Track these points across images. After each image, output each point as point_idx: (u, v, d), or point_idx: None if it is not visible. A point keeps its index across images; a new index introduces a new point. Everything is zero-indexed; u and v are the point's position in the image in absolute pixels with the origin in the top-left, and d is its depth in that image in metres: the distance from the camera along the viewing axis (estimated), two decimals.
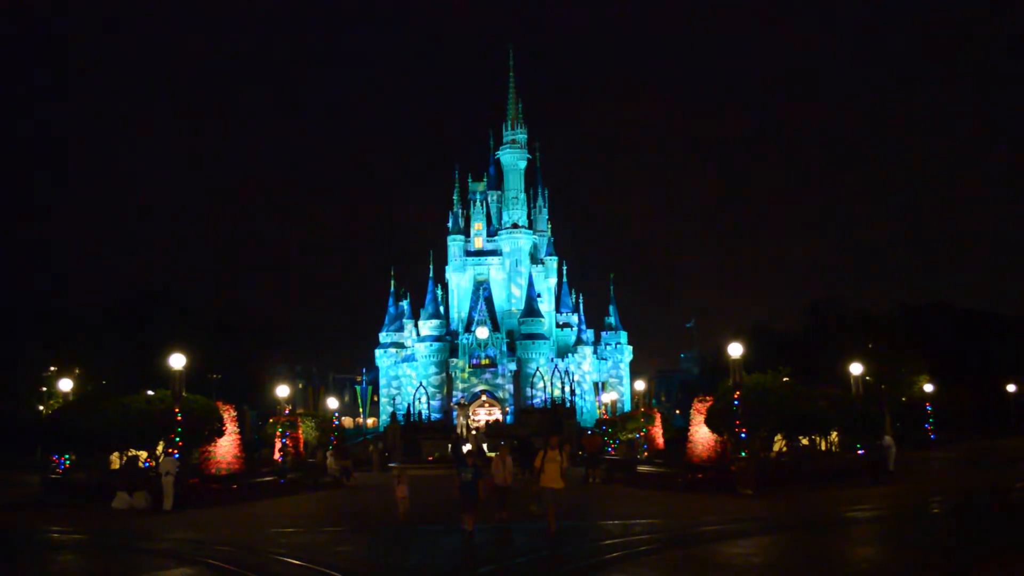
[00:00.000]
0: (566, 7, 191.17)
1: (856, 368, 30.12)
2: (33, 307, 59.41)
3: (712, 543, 15.81)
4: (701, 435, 27.94)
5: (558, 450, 16.85)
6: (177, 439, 24.46)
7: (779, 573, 13.07)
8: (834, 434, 28.74)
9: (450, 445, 44.09)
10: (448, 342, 65.70)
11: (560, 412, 56.47)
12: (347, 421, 72.33)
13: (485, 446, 45.01)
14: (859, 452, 28.06)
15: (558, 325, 69.13)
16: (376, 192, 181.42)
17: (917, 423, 45.35)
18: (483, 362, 63.70)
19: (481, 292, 65.88)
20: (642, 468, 29.98)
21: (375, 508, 24.77)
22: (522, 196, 69.64)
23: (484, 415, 61.39)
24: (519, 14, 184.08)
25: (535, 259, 70.54)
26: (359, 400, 75.95)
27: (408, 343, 68.27)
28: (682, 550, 15.08)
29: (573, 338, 68.49)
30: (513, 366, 63.97)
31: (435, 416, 62.52)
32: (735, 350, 25.90)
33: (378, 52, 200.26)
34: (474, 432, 48.53)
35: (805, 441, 28.39)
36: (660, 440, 37.75)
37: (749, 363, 28.44)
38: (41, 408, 36.48)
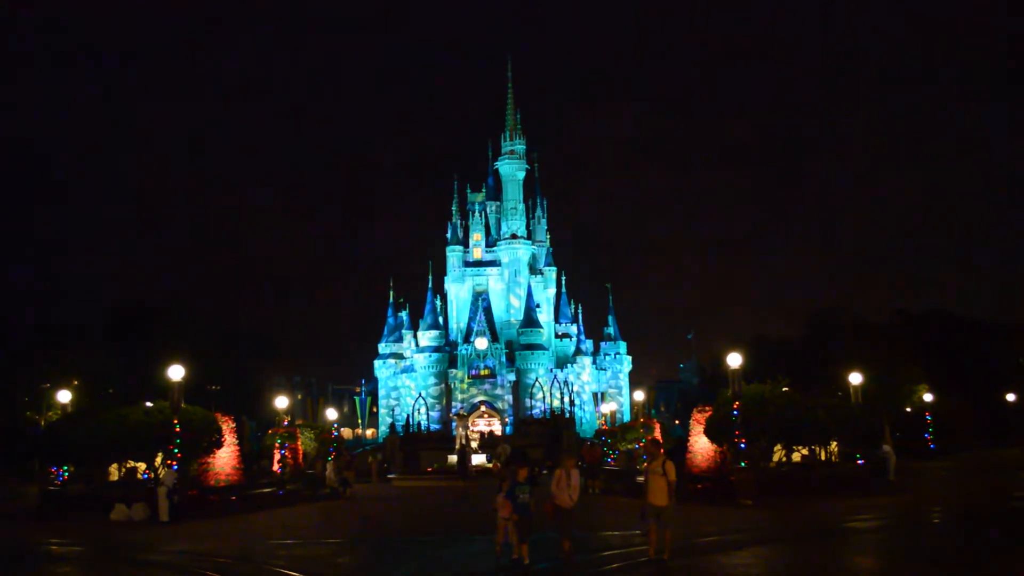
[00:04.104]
0: (565, 17, 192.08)
1: (855, 378, 30.13)
2: (32, 318, 59.36)
3: (712, 554, 15.79)
4: (700, 445, 27.91)
5: (661, 462, 14.72)
6: (176, 451, 24.43)
7: None
8: (834, 444, 28.71)
9: (506, 455, 41.76)
10: (447, 353, 65.64)
11: (559, 423, 56.38)
12: (346, 432, 72.22)
13: (485, 458, 44.88)
14: (859, 462, 28.05)
15: (557, 335, 69.07)
16: (375, 202, 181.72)
17: (916, 433, 45.30)
18: (482, 373, 63.60)
19: (480, 303, 65.82)
20: (641, 479, 29.89)
21: (374, 519, 24.71)
22: (521, 207, 69.68)
23: (483, 426, 61.28)
24: (518, 24, 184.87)
25: (534, 270, 70.55)
26: (358, 411, 75.75)
27: (407, 354, 68.20)
28: (682, 561, 15.04)
29: (572, 348, 68.43)
30: (512, 377, 63.90)
31: (434, 427, 62.37)
32: (734, 360, 25.91)
33: (377, 63, 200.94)
34: (472, 444, 48.16)
35: (804, 451, 28.36)
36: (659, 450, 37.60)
37: (748, 373, 28.45)
38: (40, 419, 36.41)
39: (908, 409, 46.78)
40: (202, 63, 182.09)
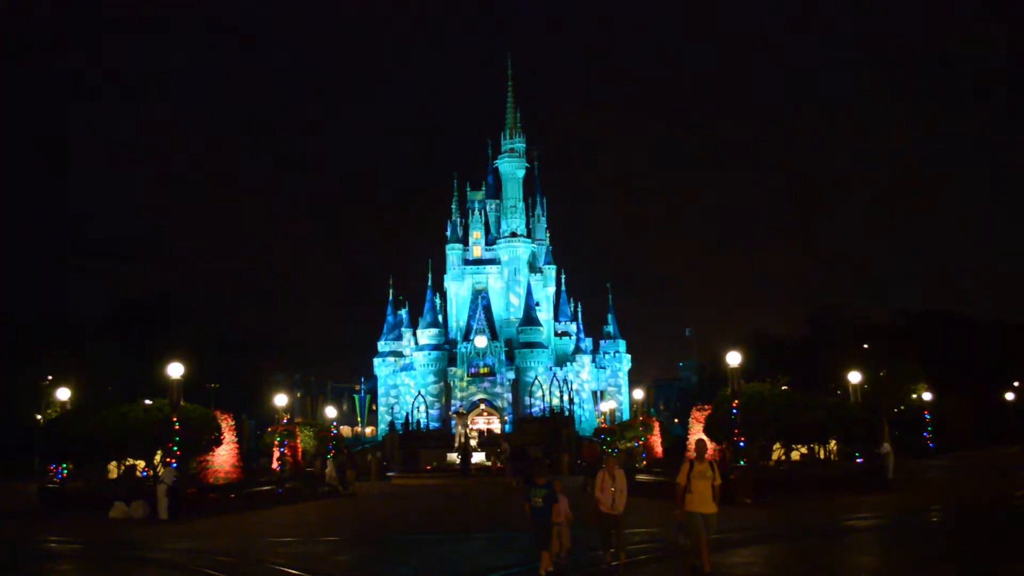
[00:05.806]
0: (565, 16, 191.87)
1: (855, 376, 30.14)
2: (31, 316, 59.33)
3: (711, 552, 15.76)
4: None
5: (708, 463, 13.23)
6: (175, 448, 24.45)
7: None
8: (833, 443, 28.74)
9: (507, 453, 41.01)
10: (446, 351, 65.65)
11: (559, 421, 56.41)
12: (345, 430, 72.15)
13: (484, 455, 44.88)
14: (858, 461, 28.07)
15: (556, 334, 69.11)
16: (375, 201, 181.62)
17: (916, 432, 45.35)
18: (481, 371, 63.61)
19: (480, 301, 65.83)
20: (640, 477, 29.93)
21: (373, 517, 24.72)
22: (520, 205, 69.67)
23: (482, 424, 61.31)
24: (518, 22, 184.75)
25: (533, 268, 70.55)
26: (357, 409, 75.77)
27: (406, 352, 68.21)
28: (681, 559, 15.03)
29: (571, 347, 68.47)
30: (511, 375, 63.93)
31: (434, 425, 62.41)
32: (733, 359, 25.92)
33: (376, 61, 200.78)
34: (471, 442, 48.12)
35: (804, 450, 28.39)
36: (659, 449, 37.74)
37: (747, 371, 28.49)
38: (39, 417, 36.41)
39: (907, 408, 46.79)
40: (203, 62, 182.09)
